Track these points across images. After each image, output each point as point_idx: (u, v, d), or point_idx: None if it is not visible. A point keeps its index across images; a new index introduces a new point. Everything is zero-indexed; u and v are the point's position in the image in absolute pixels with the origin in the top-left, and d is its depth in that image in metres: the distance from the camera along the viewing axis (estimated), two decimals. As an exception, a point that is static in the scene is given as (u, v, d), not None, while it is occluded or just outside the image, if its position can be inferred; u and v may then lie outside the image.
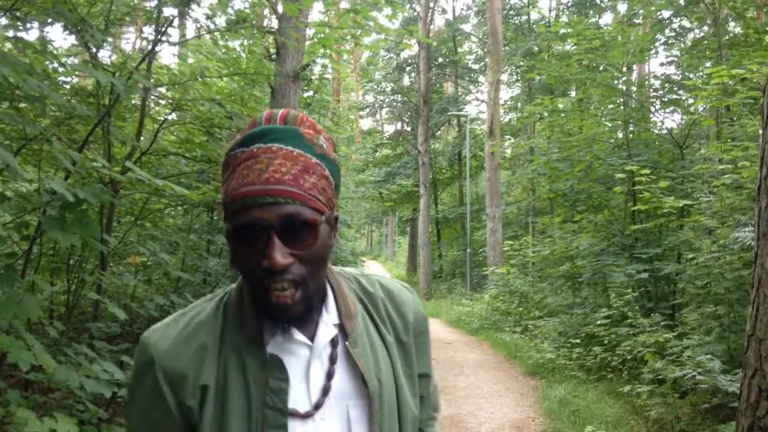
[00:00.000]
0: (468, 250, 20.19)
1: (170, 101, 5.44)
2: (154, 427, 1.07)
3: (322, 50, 8.49)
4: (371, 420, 1.07)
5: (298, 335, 1.06)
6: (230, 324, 1.07)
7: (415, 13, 23.93)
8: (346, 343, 1.09)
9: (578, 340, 8.89)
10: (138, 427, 1.10)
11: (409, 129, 28.67)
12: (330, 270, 1.14)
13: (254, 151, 1.00)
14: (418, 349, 1.21)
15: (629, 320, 7.39)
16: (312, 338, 1.07)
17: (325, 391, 1.06)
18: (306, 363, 1.07)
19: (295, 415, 1.04)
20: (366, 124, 35.29)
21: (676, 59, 13.00)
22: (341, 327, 1.10)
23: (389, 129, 33.11)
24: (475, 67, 27.92)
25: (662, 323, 6.93)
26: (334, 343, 1.09)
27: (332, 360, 1.08)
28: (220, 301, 1.11)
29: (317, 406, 1.05)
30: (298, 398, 1.05)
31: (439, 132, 29.62)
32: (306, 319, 1.05)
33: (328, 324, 1.09)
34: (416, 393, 1.18)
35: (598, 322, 8.27)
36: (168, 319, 1.12)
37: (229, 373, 1.04)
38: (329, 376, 1.07)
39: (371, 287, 1.20)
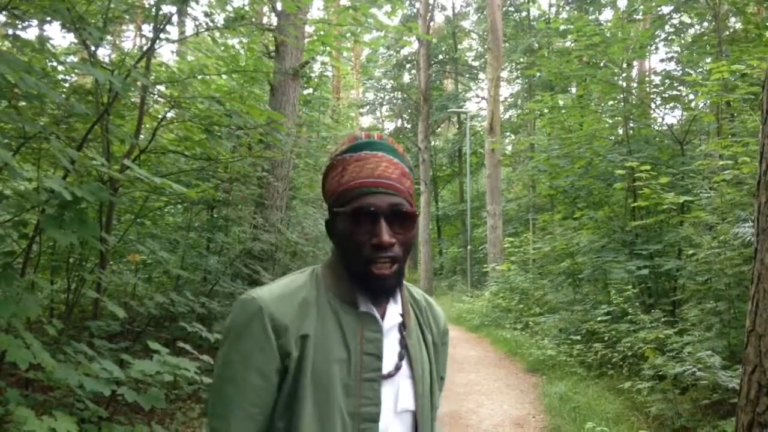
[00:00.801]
0: (468, 247, 20.19)
1: (169, 99, 5.43)
2: (255, 370, 1.18)
3: (321, 48, 8.49)
4: (414, 385, 1.28)
5: (374, 311, 1.26)
6: (324, 289, 1.27)
7: (415, 10, 23.90)
8: (404, 332, 1.30)
9: (579, 337, 8.89)
10: (239, 371, 1.19)
11: (409, 126, 28.66)
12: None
13: (362, 155, 1.25)
14: (442, 355, 1.44)
15: (629, 317, 7.39)
16: (382, 318, 1.27)
17: (398, 367, 1.26)
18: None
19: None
20: (366, 121, 35.25)
21: (676, 55, 12.98)
22: (403, 320, 1.31)
23: (389, 126, 33.07)
24: (475, 64, 27.89)
25: (662, 319, 6.92)
26: (399, 329, 1.30)
27: (401, 343, 1.29)
28: (311, 273, 1.31)
29: (397, 368, 1.26)
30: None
31: (439, 129, 29.61)
32: (393, 294, 1.28)
33: (395, 311, 1.30)
34: (438, 388, 1.40)
35: (599, 319, 8.26)
36: (264, 286, 1.29)
37: (326, 327, 1.22)
38: (401, 356, 1.28)
39: (417, 296, 1.43)
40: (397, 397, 1.26)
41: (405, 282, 1.42)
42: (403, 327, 1.31)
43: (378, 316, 1.26)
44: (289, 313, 1.21)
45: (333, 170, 1.28)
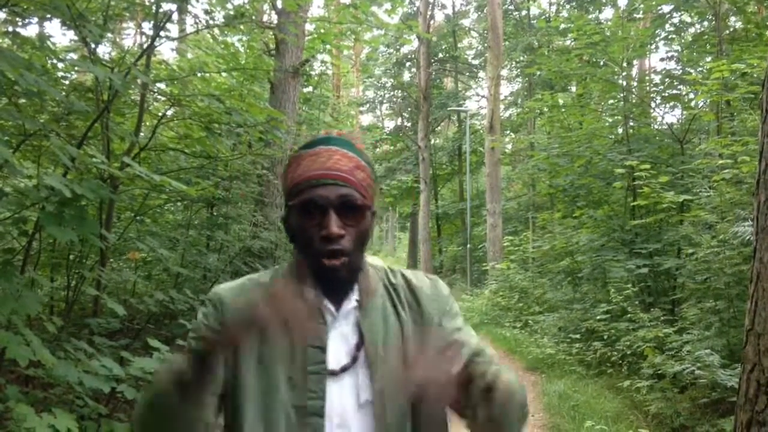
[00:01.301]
0: (468, 246, 20.19)
1: (169, 97, 5.43)
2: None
3: (321, 46, 8.48)
4: (373, 384, 1.23)
5: (327, 303, 1.26)
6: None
7: (415, 8, 23.89)
8: (357, 313, 1.27)
9: (578, 336, 8.89)
10: (190, 341, 1.25)
11: (409, 124, 28.63)
12: (365, 257, 1.32)
13: (317, 150, 1.26)
14: (445, 322, 1.34)
15: (629, 315, 7.40)
16: (337, 310, 1.26)
17: (354, 358, 1.24)
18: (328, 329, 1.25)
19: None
20: (366, 119, 35.27)
21: (676, 54, 12.98)
22: (359, 303, 1.28)
23: (389, 125, 33.07)
24: (475, 62, 27.86)
25: (662, 318, 6.93)
26: (356, 317, 1.28)
27: (357, 333, 1.26)
28: (274, 271, 1.36)
29: (344, 369, 1.23)
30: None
31: (439, 127, 29.60)
32: (346, 286, 1.26)
33: (351, 300, 1.28)
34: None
35: (598, 318, 8.27)
36: (230, 282, 1.35)
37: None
38: (358, 347, 1.25)
39: (394, 278, 1.38)
40: (358, 388, 1.23)
41: (385, 265, 1.43)
42: (359, 311, 1.28)
43: (329, 307, 1.25)
44: (240, 305, 1.21)
45: (289, 166, 1.29)
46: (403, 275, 1.40)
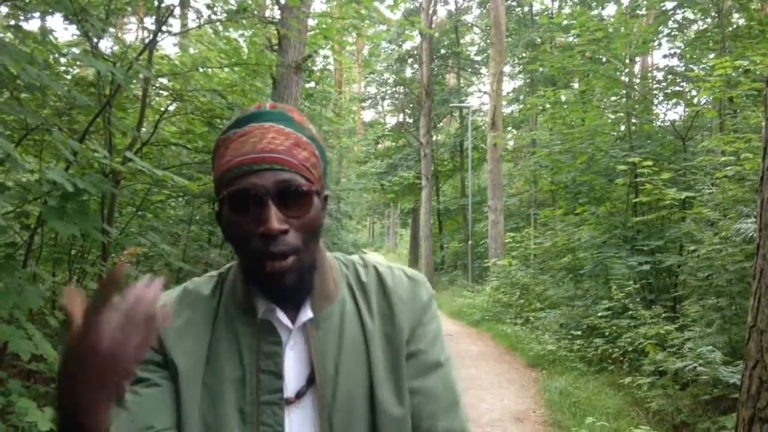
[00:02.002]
0: (470, 242, 20.19)
1: (171, 92, 5.43)
2: (146, 363, 1.01)
3: (324, 41, 8.47)
4: (321, 411, 1.02)
5: (281, 314, 1.05)
6: (224, 297, 1.09)
7: (418, 4, 23.85)
8: (308, 323, 1.06)
9: (579, 332, 8.89)
10: None
11: (411, 121, 28.62)
12: (320, 251, 1.10)
13: (247, 129, 1.02)
14: (415, 339, 1.11)
15: (630, 312, 7.39)
16: (293, 322, 1.06)
17: (310, 380, 1.04)
18: (283, 348, 1.05)
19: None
20: (368, 115, 35.26)
21: (679, 51, 12.94)
22: (313, 311, 1.07)
23: (391, 121, 33.05)
24: (478, 58, 27.83)
25: (663, 315, 6.93)
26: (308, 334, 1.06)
27: (308, 358, 1.05)
28: (219, 277, 1.13)
29: (299, 394, 1.03)
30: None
31: (441, 124, 29.58)
32: (296, 293, 1.04)
33: (308, 308, 1.06)
34: (401, 386, 1.07)
35: (600, 314, 8.27)
36: (171, 290, 1.13)
37: (221, 344, 1.04)
38: (309, 378, 1.04)
39: (366, 277, 1.15)
40: (299, 428, 1.02)
41: (358, 260, 1.20)
42: (311, 322, 1.07)
43: (283, 321, 1.04)
44: (180, 321, 1.05)
45: (217, 151, 1.06)
46: (377, 272, 1.16)
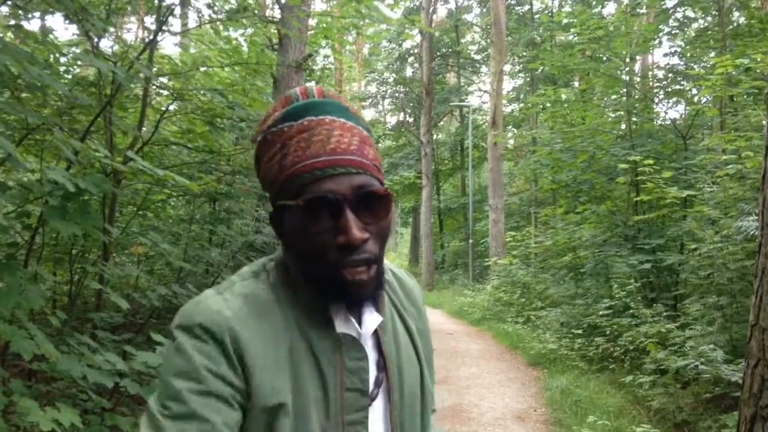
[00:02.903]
0: (470, 241, 20.19)
1: (172, 91, 5.43)
2: (212, 396, 0.87)
3: (324, 40, 8.47)
4: (391, 412, 1.01)
5: (353, 320, 0.98)
6: (287, 304, 0.97)
7: (418, 3, 23.84)
8: (378, 328, 1.02)
9: (580, 331, 8.89)
10: (186, 394, 0.86)
11: (411, 120, 28.62)
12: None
13: (306, 123, 0.93)
14: (426, 335, 1.16)
15: (631, 311, 7.39)
16: (360, 325, 1.00)
17: (378, 382, 1.00)
18: None
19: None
20: (368, 114, 35.20)
21: (679, 49, 12.94)
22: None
23: (392, 120, 33.05)
24: (478, 57, 27.83)
25: (664, 314, 6.93)
26: (376, 338, 1.03)
27: (380, 350, 1.02)
28: (267, 280, 1.00)
29: (373, 398, 0.99)
30: None
31: (441, 123, 29.57)
32: (373, 302, 0.99)
33: (372, 311, 1.01)
34: (433, 373, 1.15)
35: (601, 313, 8.27)
36: (209, 294, 0.96)
37: (297, 356, 0.94)
38: (380, 367, 1.01)
39: (386, 275, 1.11)
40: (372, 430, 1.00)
41: None
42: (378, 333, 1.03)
43: (357, 328, 0.98)
44: (258, 344, 0.92)
45: (269, 149, 0.96)
46: (393, 272, 1.15)
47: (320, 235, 0.90)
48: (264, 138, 0.97)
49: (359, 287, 0.92)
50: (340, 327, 0.96)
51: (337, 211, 0.90)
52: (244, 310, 0.93)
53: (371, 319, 1.00)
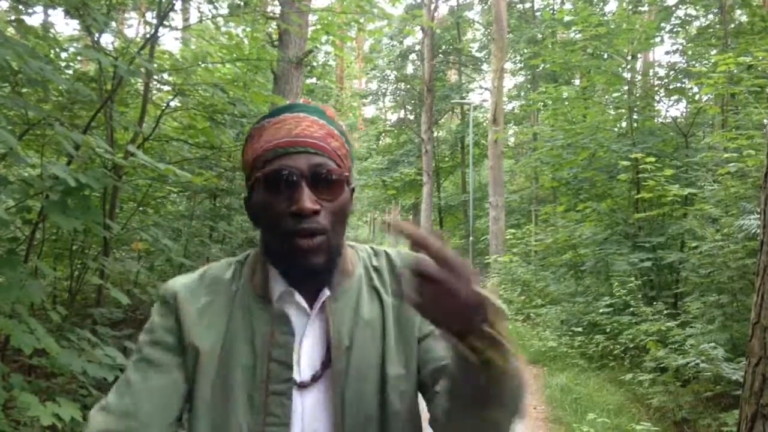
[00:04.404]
0: (470, 239, 20.18)
1: (173, 87, 5.42)
2: (158, 345, 1.08)
3: (325, 37, 8.46)
4: (333, 386, 1.04)
5: (299, 298, 1.07)
6: (243, 284, 1.11)
7: (419, 0, 23.81)
8: (327, 299, 1.08)
9: (580, 329, 8.89)
10: (143, 345, 1.10)
11: (412, 117, 28.59)
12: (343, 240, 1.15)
13: (281, 117, 1.06)
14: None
15: (632, 309, 7.39)
16: (311, 307, 1.08)
17: (324, 364, 1.06)
18: (302, 330, 1.07)
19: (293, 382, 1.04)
20: (369, 111, 35.18)
21: (681, 47, 12.92)
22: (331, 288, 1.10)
23: (392, 117, 33.02)
24: (479, 54, 27.79)
25: (665, 312, 6.92)
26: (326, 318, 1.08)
27: (328, 330, 1.07)
28: (240, 261, 1.16)
29: (315, 378, 1.05)
30: (293, 367, 1.05)
31: (442, 120, 29.54)
32: (323, 273, 1.06)
33: (326, 291, 1.08)
34: (410, 361, 1.10)
35: (601, 311, 8.26)
36: (189, 274, 1.17)
37: (237, 329, 1.06)
38: (324, 363, 1.05)
39: (377, 261, 1.20)
40: (311, 412, 1.04)
41: (368, 247, 1.23)
42: (330, 300, 1.09)
43: (301, 304, 1.07)
44: (199, 303, 1.08)
45: (249, 141, 1.10)
46: (387, 256, 1.20)
47: (277, 206, 1.02)
48: (249, 133, 1.11)
49: (306, 253, 1.00)
50: (278, 304, 1.07)
51: (293, 185, 1.01)
52: (195, 283, 1.12)
53: (323, 295, 1.08)
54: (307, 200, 0.99)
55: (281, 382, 1.03)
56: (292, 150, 1.02)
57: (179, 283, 1.12)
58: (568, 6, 20.89)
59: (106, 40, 5.37)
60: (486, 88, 25.18)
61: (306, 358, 1.06)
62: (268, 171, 1.02)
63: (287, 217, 1.00)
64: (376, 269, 1.17)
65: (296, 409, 1.03)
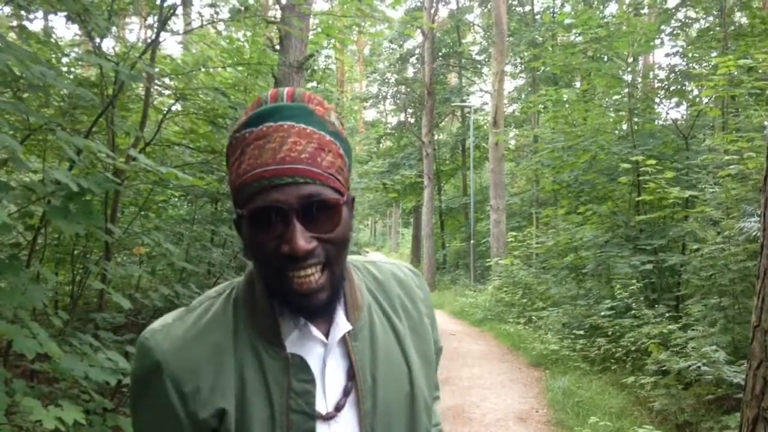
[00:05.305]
0: (472, 241, 20.18)
1: (174, 91, 5.43)
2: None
3: (326, 41, 8.48)
4: (360, 421, 0.99)
5: (315, 331, 0.98)
6: (242, 322, 0.99)
7: (419, 3, 23.85)
8: (347, 335, 1.01)
9: (582, 332, 8.89)
10: None
11: (412, 120, 28.61)
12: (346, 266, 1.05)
13: (264, 129, 0.92)
14: (434, 331, 1.16)
15: (633, 311, 7.39)
16: (326, 334, 1.00)
17: (347, 391, 0.99)
18: (321, 361, 0.99)
19: (318, 417, 0.97)
20: (370, 115, 35.21)
21: (681, 50, 12.94)
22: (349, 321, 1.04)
23: (393, 120, 33.03)
24: (479, 57, 27.82)
25: (666, 315, 6.92)
26: (345, 343, 1.02)
27: (350, 358, 1.01)
28: (228, 296, 1.03)
29: (338, 407, 0.98)
30: (318, 399, 0.97)
31: (443, 123, 29.56)
32: (328, 309, 0.98)
33: (342, 318, 1.02)
34: (433, 380, 1.12)
35: (602, 314, 8.26)
36: (168, 316, 1.02)
37: (246, 376, 0.96)
38: (350, 375, 1.00)
39: (382, 276, 1.13)
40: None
41: (366, 260, 1.17)
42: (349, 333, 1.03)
43: (318, 337, 0.99)
44: (197, 365, 0.95)
45: (231, 154, 0.96)
46: (392, 273, 1.15)
47: (266, 244, 0.91)
48: (230, 143, 0.97)
49: (308, 295, 0.92)
50: (291, 347, 0.97)
51: (283, 221, 0.90)
52: (180, 340, 0.97)
53: (341, 326, 1.00)
54: (300, 239, 0.89)
55: (304, 430, 0.95)
56: (279, 181, 0.89)
57: (159, 348, 0.97)
58: (567, 9, 20.93)
59: (108, 44, 5.38)
60: (486, 91, 25.22)
61: (328, 389, 0.99)
62: (253, 209, 0.91)
63: (279, 257, 0.90)
64: (380, 285, 1.12)
65: None
